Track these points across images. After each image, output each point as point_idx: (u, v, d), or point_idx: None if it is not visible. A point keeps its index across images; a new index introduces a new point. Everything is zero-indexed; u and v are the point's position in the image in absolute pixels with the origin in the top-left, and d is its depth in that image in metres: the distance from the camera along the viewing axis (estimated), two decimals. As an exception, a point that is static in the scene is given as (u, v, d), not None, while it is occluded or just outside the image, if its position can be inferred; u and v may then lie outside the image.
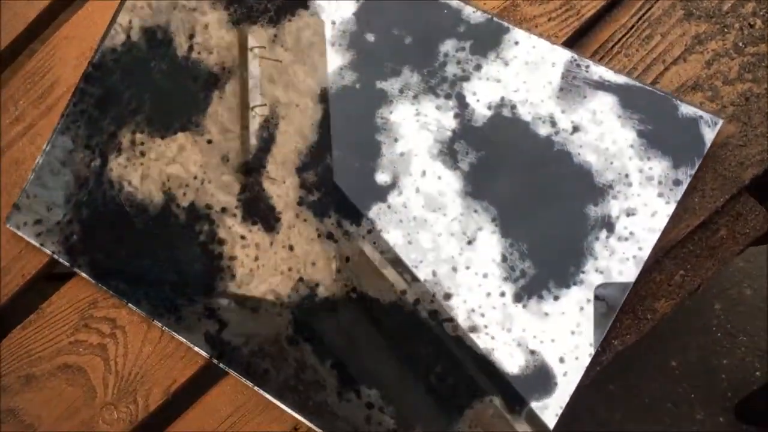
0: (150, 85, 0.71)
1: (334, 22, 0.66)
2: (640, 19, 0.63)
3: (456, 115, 0.63)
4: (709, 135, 0.57)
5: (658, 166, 0.58)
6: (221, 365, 0.68)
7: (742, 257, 1.55)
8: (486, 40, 0.62)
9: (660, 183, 0.58)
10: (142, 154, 0.71)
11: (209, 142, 0.69)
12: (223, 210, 0.68)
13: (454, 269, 0.61)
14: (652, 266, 0.62)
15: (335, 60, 0.66)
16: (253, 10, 0.68)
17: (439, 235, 0.62)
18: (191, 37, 0.70)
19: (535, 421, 0.59)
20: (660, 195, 0.58)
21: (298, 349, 0.65)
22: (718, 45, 0.61)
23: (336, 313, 0.64)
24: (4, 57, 0.83)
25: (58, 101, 0.79)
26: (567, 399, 0.59)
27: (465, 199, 0.62)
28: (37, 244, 0.74)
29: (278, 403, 0.66)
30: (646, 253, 0.57)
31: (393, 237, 0.63)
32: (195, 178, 0.69)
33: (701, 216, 0.61)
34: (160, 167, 0.70)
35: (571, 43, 0.65)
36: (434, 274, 0.62)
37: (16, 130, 0.80)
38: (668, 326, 1.53)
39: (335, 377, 0.64)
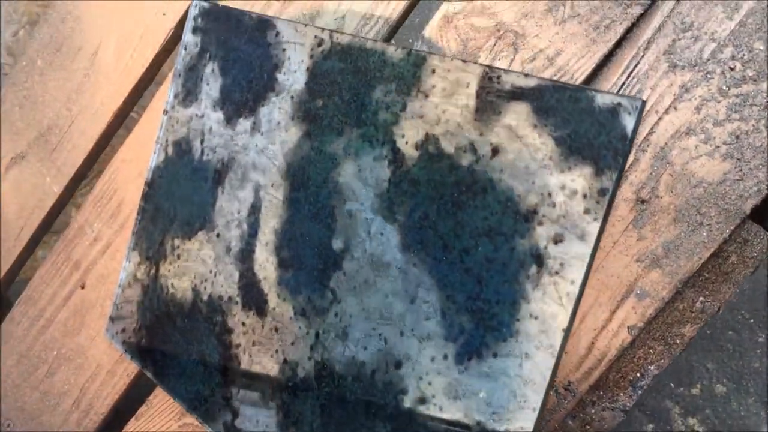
0: (179, 192, 0.77)
1: (292, 97, 0.68)
2: (629, 76, 0.67)
3: (389, 163, 0.60)
4: (629, 124, 0.49)
5: (580, 176, 0.51)
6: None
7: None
8: (407, 77, 0.61)
9: (585, 196, 0.51)
10: (179, 257, 0.76)
11: (218, 235, 0.72)
12: (230, 299, 0.70)
13: (402, 333, 0.57)
14: (675, 296, 0.66)
15: (295, 133, 0.68)
16: (239, 104, 0.72)
17: (386, 297, 0.59)
18: (202, 141, 0.75)
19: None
20: (586, 211, 0.50)
21: (291, 433, 0.64)
22: (703, 91, 0.65)
23: (313, 392, 0.62)
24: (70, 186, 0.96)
25: (127, 219, 0.88)
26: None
27: (404, 254, 0.58)
28: (122, 351, 0.82)
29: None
30: (577, 288, 0.49)
31: (350, 306, 0.61)
32: (210, 271, 0.73)
33: (711, 248, 0.64)
34: (189, 266, 0.75)
35: None
36: (385, 340, 0.58)
37: (97, 250, 0.90)
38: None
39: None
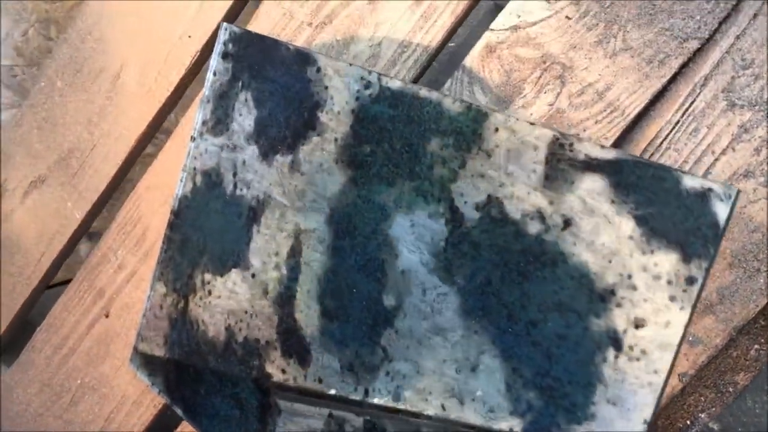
0: (209, 225, 0.75)
1: (336, 139, 0.65)
2: (684, 113, 0.64)
3: (447, 222, 0.57)
4: (722, 213, 0.46)
5: (666, 261, 0.47)
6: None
7: None
8: (467, 133, 0.57)
9: (670, 283, 0.47)
10: (209, 293, 0.74)
11: (253, 276, 0.70)
12: (267, 344, 0.68)
13: (461, 402, 0.54)
14: (729, 343, 0.63)
15: (339, 178, 0.64)
16: (276, 140, 0.69)
17: (444, 361, 0.56)
18: (234, 174, 0.73)
19: None
20: (672, 299, 0.47)
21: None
22: (764, 132, 0.61)
23: (362, 453, 0.60)
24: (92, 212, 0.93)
25: (152, 247, 0.86)
26: None
27: (464, 318, 0.55)
28: (149, 384, 0.80)
29: None
30: (662, 378, 0.46)
31: (403, 366, 0.58)
32: (246, 312, 0.70)
33: None
34: (222, 305, 0.72)
35: (619, 143, 0.66)
36: (443, 407, 0.55)
37: (121, 278, 0.88)
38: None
39: None
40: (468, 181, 0.57)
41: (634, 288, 0.49)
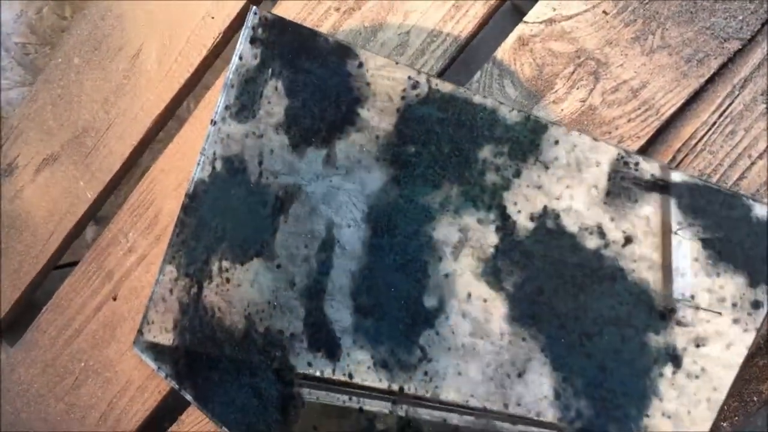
0: (230, 212, 0.73)
1: (377, 137, 0.63)
2: (721, 114, 0.62)
3: (497, 229, 0.56)
4: None
5: (731, 284, 0.47)
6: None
7: None
8: (524, 142, 0.56)
9: (734, 306, 0.47)
10: (228, 280, 0.73)
11: (278, 266, 0.69)
12: (293, 336, 0.67)
13: (506, 405, 0.54)
14: (755, 352, 0.61)
15: (380, 176, 0.63)
16: (309, 132, 0.68)
17: (488, 366, 0.55)
18: (260, 163, 0.71)
19: None
20: (735, 321, 0.47)
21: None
22: None
23: (395, 448, 0.59)
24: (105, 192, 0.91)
25: (164, 231, 0.84)
26: None
27: (512, 325, 0.54)
28: (155, 368, 0.78)
29: None
30: (722, 395, 0.46)
31: (443, 367, 0.57)
32: (269, 303, 0.69)
33: None
34: (242, 293, 0.71)
35: (652, 142, 0.64)
36: (485, 410, 0.54)
37: (131, 261, 0.86)
38: None
39: None
40: (522, 191, 0.56)
41: (696, 308, 0.49)
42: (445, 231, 0.59)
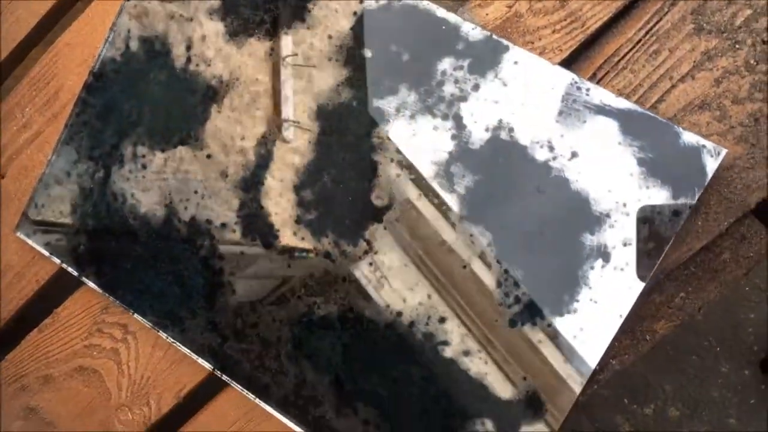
0: (149, 96, 0.71)
1: (330, 36, 0.65)
2: (647, 32, 0.60)
3: (453, 137, 0.61)
4: (711, 165, 0.55)
5: (658, 196, 0.56)
6: (224, 377, 0.69)
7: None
8: (485, 59, 0.61)
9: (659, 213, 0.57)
10: (144, 166, 0.71)
11: (208, 156, 0.69)
12: (223, 225, 0.68)
13: (448, 292, 0.61)
14: (653, 288, 0.61)
15: (332, 76, 0.65)
16: (250, 22, 0.67)
17: None
18: (189, 48, 0.69)
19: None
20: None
21: (297, 365, 0.66)
22: (728, 62, 0.58)
23: (333, 331, 0.65)
24: (6, 64, 0.83)
25: (63, 108, 0.79)
26: (558, 426, 0.59)
27: (461, 223, 0.61)
28: (47, 253, 0.75)
29: (278, 415, 0.67)
30: (641, 285, 0.56)
31: (389, 258, 0.63)
32: (195, 192, 0.69)
33: (704, 239, 0.60)
34: (162, 181, 0.70)
35: (575, 57, 0.63)
36: (429, 297, 0.61)
37: (24, 137, 0.80)
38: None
39: (333, 394, 0.65)
40: (480, 104, 0.61)
41: (627, 215, 0.57)
42: (399, 134, 0.63)
